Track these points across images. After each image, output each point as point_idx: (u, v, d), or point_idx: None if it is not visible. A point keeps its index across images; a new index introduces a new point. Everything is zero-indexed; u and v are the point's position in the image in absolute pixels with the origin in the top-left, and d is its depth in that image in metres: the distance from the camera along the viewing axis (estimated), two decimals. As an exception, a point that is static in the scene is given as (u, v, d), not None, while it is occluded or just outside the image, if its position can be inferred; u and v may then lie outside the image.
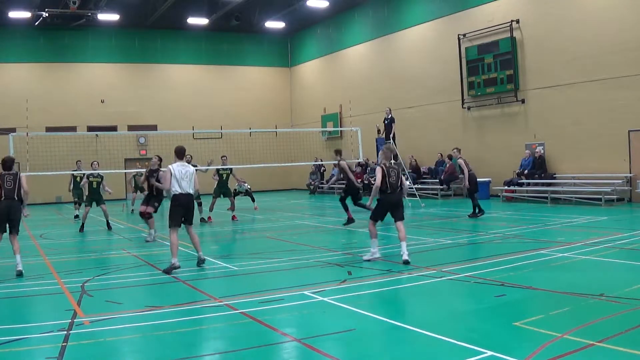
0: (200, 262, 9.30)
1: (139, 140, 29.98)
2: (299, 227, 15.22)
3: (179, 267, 8.85)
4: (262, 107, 33.29)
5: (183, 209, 9.10)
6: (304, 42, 33.64)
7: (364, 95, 27.89)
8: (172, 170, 9.09)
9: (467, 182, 15.17)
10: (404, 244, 8.93)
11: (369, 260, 9.23)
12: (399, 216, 9.23)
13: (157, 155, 13.60)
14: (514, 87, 20.36)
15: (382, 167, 9.20)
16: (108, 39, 30.02)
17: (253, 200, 18.69)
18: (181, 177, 9.08)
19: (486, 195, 20.97)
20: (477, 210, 14.95)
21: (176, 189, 9.03)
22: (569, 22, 18.56)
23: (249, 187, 18.88)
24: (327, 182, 27.18)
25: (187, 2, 26.93)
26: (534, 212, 16.19)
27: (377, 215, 9.46)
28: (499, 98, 21.09)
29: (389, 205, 9.29)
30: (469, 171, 15.16)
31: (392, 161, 9.57)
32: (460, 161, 15.38)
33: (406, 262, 8.73)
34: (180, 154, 9.40)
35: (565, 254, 9.18)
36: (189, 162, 12.11)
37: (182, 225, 9.20)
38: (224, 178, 16.52)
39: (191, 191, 9.24)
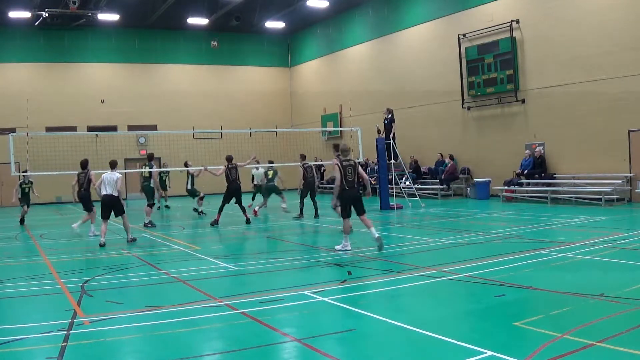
0: (131, 240, 12.43)
1: (139, 140, 29.97)
2: (299, 227, 15.22)
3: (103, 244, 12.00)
4: (262, 107, 33.29)
5: (107, 206, 12.18)
6: (304, 42, 33.64)
7: (364, 95, 27.88)
8: (102, 178, 12.44)
9: (300, 186, 17.03)
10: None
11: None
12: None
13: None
14: (514, 87, 20.36)
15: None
16: (108, 39, 30.01)
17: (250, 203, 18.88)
18: (107, 182, 12.25)
19: (486, 195, 20.98)
20: (301, 213, 16.76)
21: (102, 191, 12.30)
22: (569, 22, 18.55)
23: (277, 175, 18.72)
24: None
25: (187, 2, 26.91)
26: (534, 212, 16.19)
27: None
28: (499, 98, 21.08)
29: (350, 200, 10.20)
30: (309, 177, 16.98)
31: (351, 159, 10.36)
32: (301, 169, 17.01)
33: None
34: (112, 165, 12.80)
35: (565, 254, 9.18)
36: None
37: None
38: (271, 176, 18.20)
39: (115, 193, 12.23)
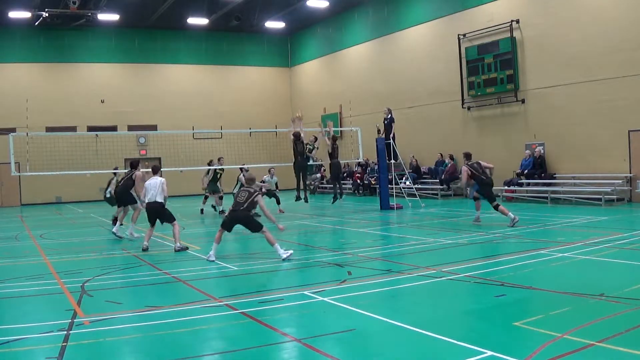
0: (178, 250, 11.13)
1: (139, 140, 29.97)
2: (299, 227, 15.21)
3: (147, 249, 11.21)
4: (262, 107, 33.28)
5: (151, 213, 11.40)
6: (304, 42, 33.63)
7: (364, 95, 27.88)
8: (145, 185, 11.57)
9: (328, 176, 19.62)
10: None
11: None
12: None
13: None
14: (514, 87, 20.35)
15: None
16: (108, 39, 30.01)
17: (278, 202, 18.43)
18: (150, 188, 11.34)
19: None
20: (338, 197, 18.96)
21: (145, 198, 11.46)
22: (569, 22, 18.55)
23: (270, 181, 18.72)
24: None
25: (187, 2, 26.90)
26: (534, 212, 16.19)
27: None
28: (499, 98, 21.08)
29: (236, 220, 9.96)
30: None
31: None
32: (325, 161, 19.26)
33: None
34: (155, 171, 11.82)
35: (565, 254, 9.18)
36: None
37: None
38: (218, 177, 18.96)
39: (159, 199, 11.27)
